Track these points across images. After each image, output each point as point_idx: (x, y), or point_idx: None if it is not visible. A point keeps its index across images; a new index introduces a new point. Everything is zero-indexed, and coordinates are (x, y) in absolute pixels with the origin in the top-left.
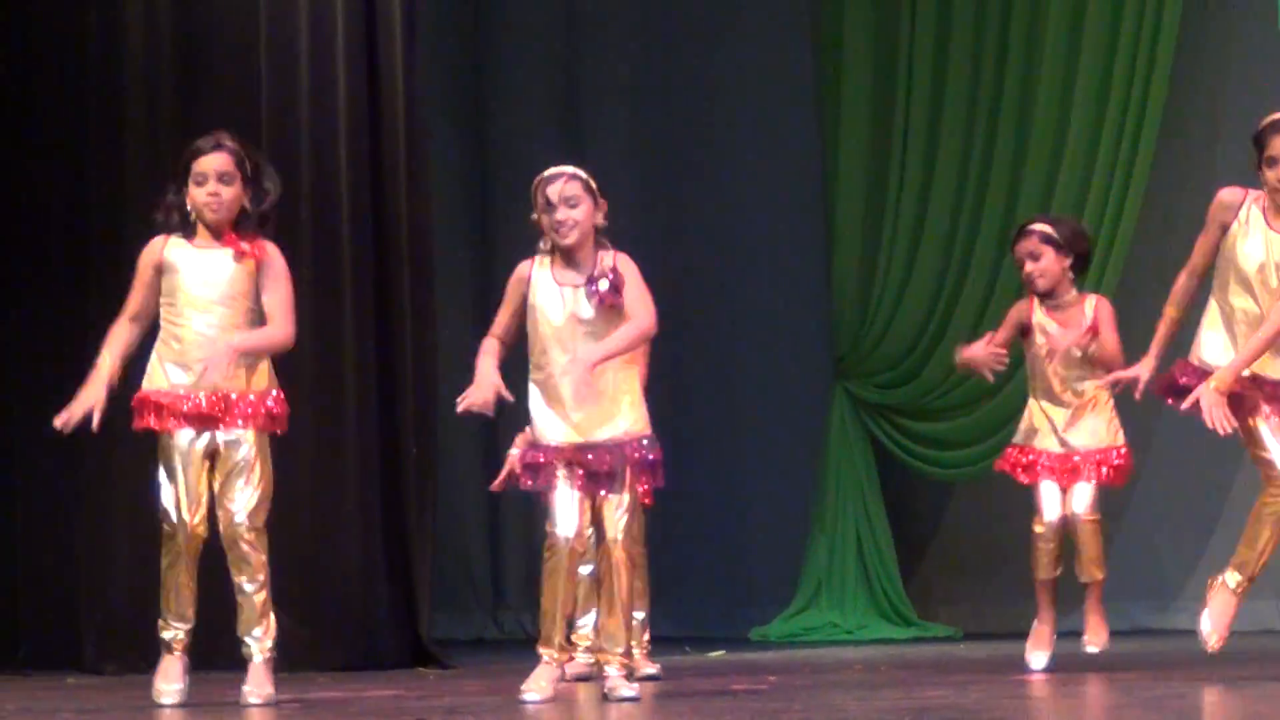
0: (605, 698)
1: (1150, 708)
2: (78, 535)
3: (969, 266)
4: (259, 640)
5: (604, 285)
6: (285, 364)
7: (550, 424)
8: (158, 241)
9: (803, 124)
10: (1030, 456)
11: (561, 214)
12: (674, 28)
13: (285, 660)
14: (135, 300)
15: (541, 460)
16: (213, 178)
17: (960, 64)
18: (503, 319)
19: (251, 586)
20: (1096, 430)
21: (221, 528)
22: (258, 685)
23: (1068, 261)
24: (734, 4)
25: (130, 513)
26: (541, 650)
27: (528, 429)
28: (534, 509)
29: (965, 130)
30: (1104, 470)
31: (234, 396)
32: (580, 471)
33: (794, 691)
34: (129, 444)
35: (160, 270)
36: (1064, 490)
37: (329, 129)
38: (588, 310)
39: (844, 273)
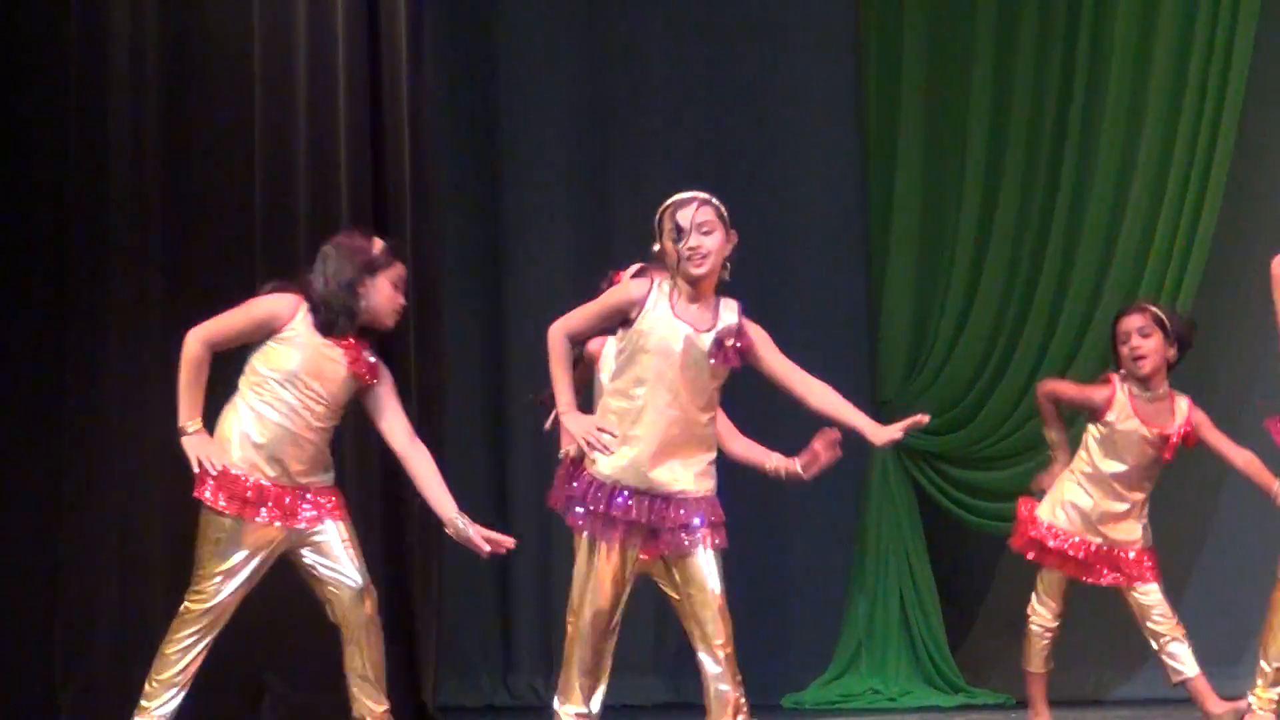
0: None
1: None
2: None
3: (1029, 309)
4: None
5: (731, 343)
6: None
7: (621, 464)
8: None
9: (848, 150)
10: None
11: (695, 240)
12: (711, 50)
13: None
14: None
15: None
16: (402, 288)
17: (1021, 99)
18: (586, 320)
19: None
20: (1133, 530)
21: None
22: None
23: (1172, 351)
24: (776, 27)
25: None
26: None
27: (572, 449)
28: (551, 566)
29: (1025, 174)
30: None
31: None
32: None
33: None
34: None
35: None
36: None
37: (329, 147)
38: (704, 358)
39: (892, 315)
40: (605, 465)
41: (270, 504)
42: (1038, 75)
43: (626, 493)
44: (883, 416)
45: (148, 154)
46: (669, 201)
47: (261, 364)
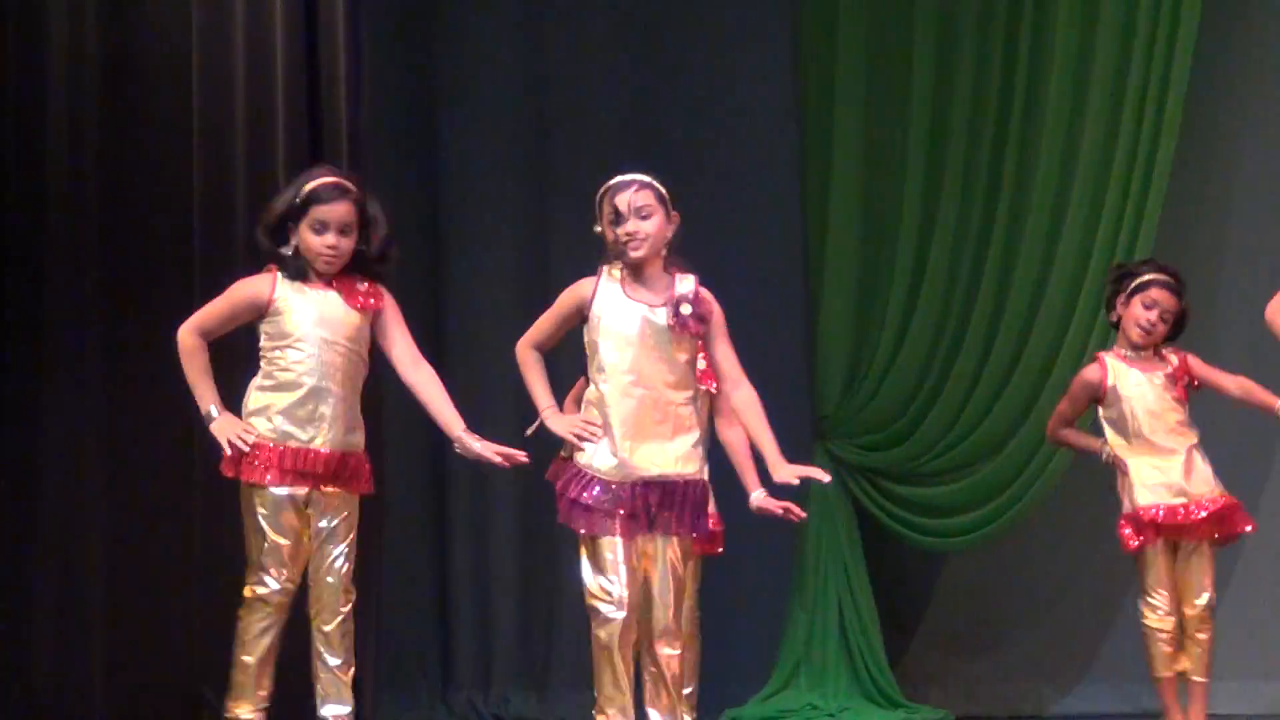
0: None
1: None
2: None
3: (967, 324)
4: None
5: (687, 309)
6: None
7: (602, 453)
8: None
9: (785, 162)
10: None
11: (631, 225)
12: (650, 65)
13: None
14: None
15: (594, 500)
16: (334, 229)
17: (960, 110)
18: (544, 328)
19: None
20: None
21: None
22: None
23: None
24: (713, 40)
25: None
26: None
27: (563, 451)
28: (489, 581)
29: (964, 182)
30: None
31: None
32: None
33: None
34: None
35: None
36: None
37: (267, 159)
38: (663, 333)
39: (830, 329)
40: (584, 457)
41: (306, 469)
42: (976, 85)
43: (610, 483)
44: (823, 430)
45: (85, 153)
46: (608, 184)
47: (268, 339)
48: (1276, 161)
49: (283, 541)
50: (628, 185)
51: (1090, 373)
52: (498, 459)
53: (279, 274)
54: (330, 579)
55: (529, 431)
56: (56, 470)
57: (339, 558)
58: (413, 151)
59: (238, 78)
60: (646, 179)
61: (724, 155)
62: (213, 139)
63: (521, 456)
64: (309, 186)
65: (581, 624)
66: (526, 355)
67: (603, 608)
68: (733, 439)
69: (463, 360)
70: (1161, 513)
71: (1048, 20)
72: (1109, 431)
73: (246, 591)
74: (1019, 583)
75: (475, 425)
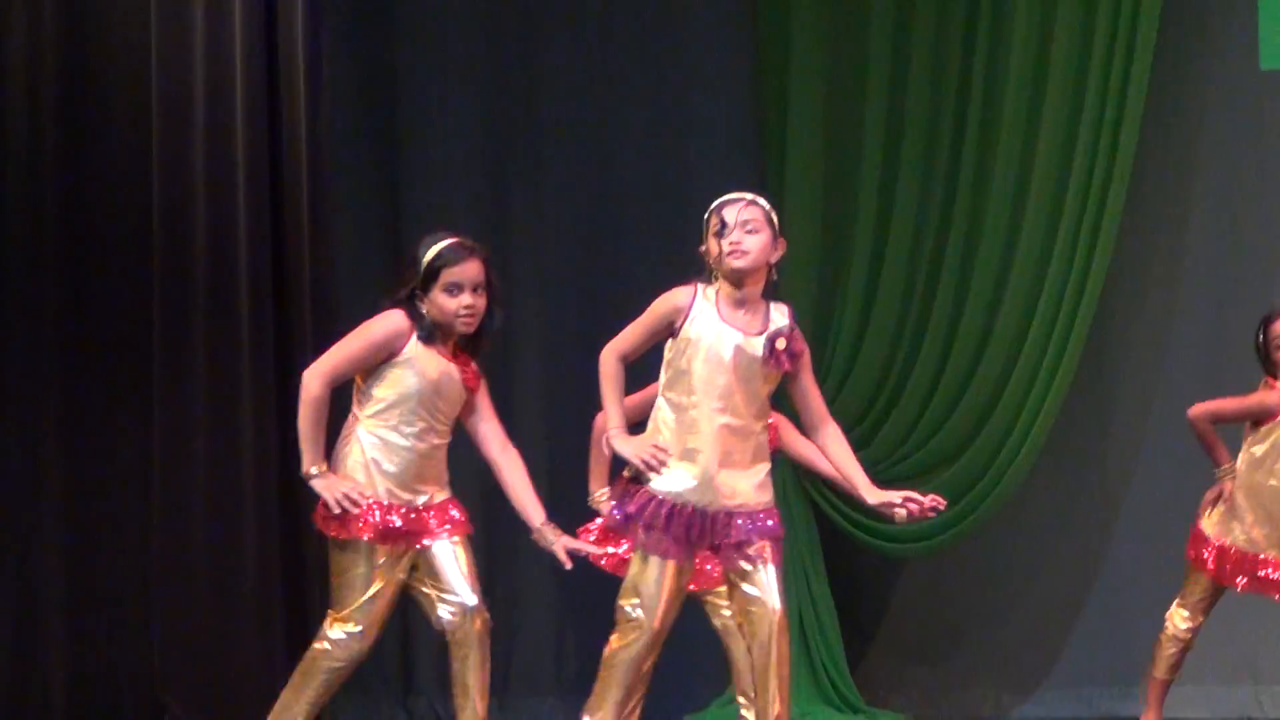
0: None
1: None
2: None
3: (925, 328)
4: None
5: (782, 344)
6: (176, 424)
7: (679, 479)
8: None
9: (746, 168)
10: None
11: (736, 236)
12: (608, 71)
13: None
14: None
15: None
16: (468, 288)
17: (918, 107)
18: (634, 339)
19: None
20: None
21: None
22: None
23: None
24: (672, 35)
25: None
26: None
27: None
28: None
29: (922, 187)
30: None
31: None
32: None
33: None
34: None
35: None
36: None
37: (226, 168)
38: (755, 364)
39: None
40: (663, 482)
41: (404, 528)
42: (934, 87)
43: (688, 509)
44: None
45: (43, 150)
46: (718, 200)
47: (382, 389)
48: (1236, 167)
49: (377, 592)
50: (737, 200)
51: (1272, 398)
52: (569, 562)
53: (415, 327)
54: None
55: (606, 450)
56: (14, 479)
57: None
58: (372, 149)
59: (196, 78)
60: (755, 197)
61: (682, 157)
62: (171, 136)
63: (592, 550)
64: (434, 250)
65: (540, 632)
66: (612, 366)
67: (633, 626)
68: (810, 454)
69: None
70: (1246, 564)
71: (1006, 13)
72: (1244, 463)
73: (328, 630)
74: (978, 588)
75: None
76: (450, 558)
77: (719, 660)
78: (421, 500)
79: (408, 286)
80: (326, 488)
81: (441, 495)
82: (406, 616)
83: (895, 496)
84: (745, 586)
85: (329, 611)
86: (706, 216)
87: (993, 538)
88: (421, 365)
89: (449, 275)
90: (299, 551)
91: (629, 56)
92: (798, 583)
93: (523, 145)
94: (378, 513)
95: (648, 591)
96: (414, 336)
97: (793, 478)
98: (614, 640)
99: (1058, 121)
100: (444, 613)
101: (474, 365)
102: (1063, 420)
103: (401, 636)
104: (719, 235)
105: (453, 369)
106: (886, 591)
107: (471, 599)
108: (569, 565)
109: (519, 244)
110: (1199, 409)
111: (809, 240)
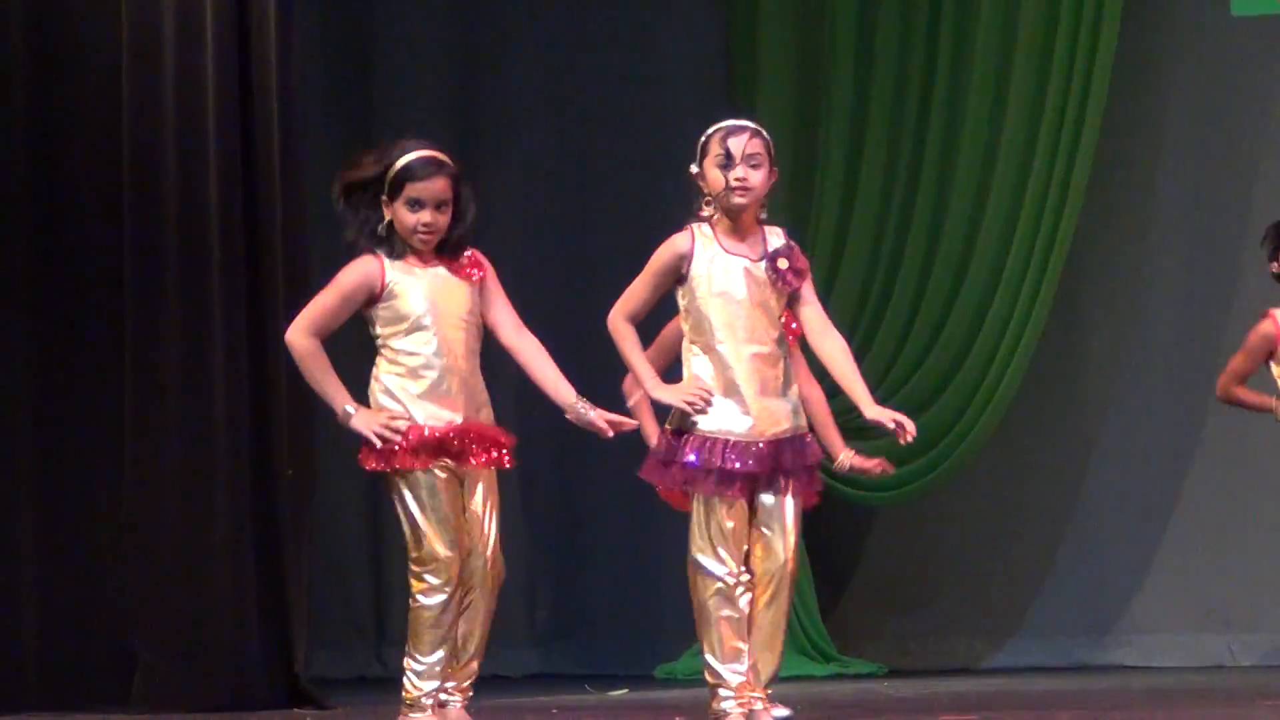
0: None
1: None
2: None
3: (896, 274)
4: None
5: (784, 264)
6: (147, 382)
7: (727, 415)
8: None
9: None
10: None
11: (741, 172)
12: (580, 39)
13: (150, 700)
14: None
15: (724, 464)
16: (430, 205)
17: (887, 60)
18: (641, 295)
19: None
20: None
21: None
22: None
23: None
24: (643, 20)
25: None
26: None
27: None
28: None
29: (890, 139)
30: None
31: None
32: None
33: None
34: None
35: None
36: None
37: (197, 124)
38: (765, 287)
39: None
40: (709, 422)
41: (445, 439)
42: (903, 35)
43: (739, 444)
44: None
45: (13, 114)
46: (719, 126)
47: (385, 325)
48: (1206, 112)
49: (444, 525)
50: (741, 130)
51: (1265, 327)
52: (607, 428)
53: (384, 256)
54: (478, 556)
55: (630, 404)
56: None
57: (489, 535)
58: (344, 110)
59: (166, 38)
60: (758, 127)
61: (650, 120)
62: (141, 96)
63: (630, 424)
64: (402, 161)
65: (512, 582)
66: (622, 328)
67: (715, 576)
68: (813, 397)
69: None
70: None
71: (971, 10)
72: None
73: (416, 585)
74: (951, 538)
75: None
76: (479, 499)
77: (688, 613)
78: (461, 418)
79: (368, 188)
80: (364, 423)
81: (483, 414)
82: (380, 563)
83: (887, 417)
84: (762, 527)
85: (409, 561)
86: (705, 140)
87: (965, 488)
88: (408, 287)
89: (412, 190)
90: (271, 493)
91: (600, 4)
92: None
93: (494, 93)
94: (421, 436)
95: (719, 544)
96: (386, 271)
97: None
98: (702, 594)
99: (1028, 71)
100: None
101: (472, 254)
102: (1034, 371)
103: (374, 587)
104: (723, 167)
105: (441, 270)
106: (859, 541)
107: (486, 548)
108: (611, 433)
109: (490, 189)
110: (1219, 386)
111: (777, 188)
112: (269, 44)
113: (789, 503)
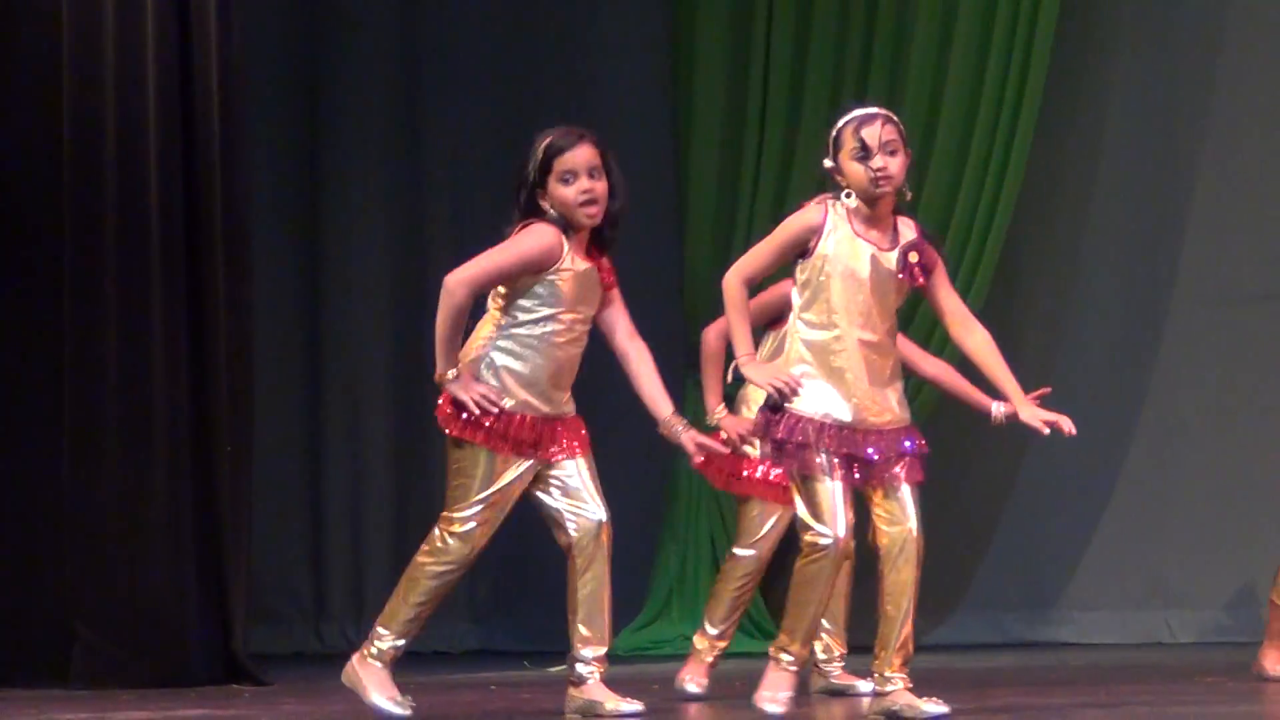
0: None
1: None
2: None
3: None
4: None
5: (914, 258)
6: (87, 362)
7: (828, 399)
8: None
9: (655, 115)
10: None
11: (880, 162)
12: (522, 15)
13: (88, 677)
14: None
15: (812, 441)
16: (583, 173)
17: (823, 46)
18: (763, 261)
19: None
20: None
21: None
22: None
23: None
24: (584, 12)
25: None
26: (785, 655)
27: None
28: (363, 513)
29: (826, 118)
30: None
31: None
32: (849, 460)
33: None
34: None
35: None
36: None
37: (137, 109)
38: (890, 279)
39: (699, 258)
40: (809, 404)
41: (529, 439)
42: (837, 44)
43: (834, 428)
44: (693, 361)
45: None
46: (851, 115)
47: (533, 301)
48: (1140, 120)
49: (490, 509)
50: (874, 118)
51: None
52: (697, 452)
53: (563, 235)
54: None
55: (728, 378)
56: None
57: (597, 501)
58: (286, 95)
59: (107, 28)
60: (890, 113)
61: (595, 103)
62: (80, 82)
63: (720, 449)
64: (544, 142)
65: None
66: (738, 291)
67: (821, 548)
68: (938, 369)
69: (335, 296)
70: None
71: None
72: None
73: (440, 532)
74: None
75: (349, 352)
76: (581, 474)
77: (630, 586)
78: (555, 410)
79: (526, 187)
80: (464, 388)
81: (571, 407)
82: (319, 539)
83: (1040, 420)
84: (884, 506)
85: (441, 514)
86: (836, 134)
87: None
88: (573, 273)
89: (562, 163)
90: (210, 469)
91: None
92: (710, 509)
93: (438, 78)
94: (509, 424)
95: (821, 509)
96: (566, 249)
97: (703, 402)
98: (806, 564)
99: (967, 53)
100: (572, 529)
101: (607, 260)
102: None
103: (313, 562)
104: (861, 159)
105: (593, 270)
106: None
107: (602, 513)
108: (699, 459)
109: (433, 174)
110: None
111: (711, 163)
112: (210, 31)
113: (905, 490)
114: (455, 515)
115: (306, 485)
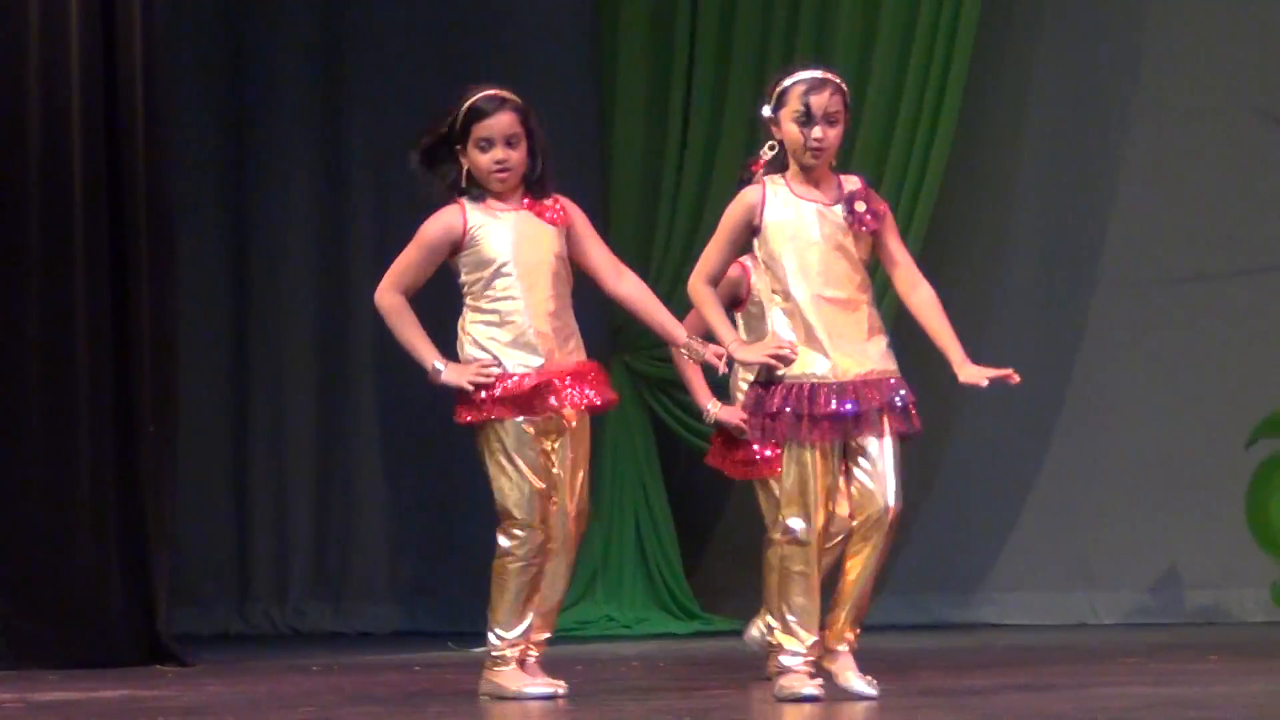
0: None
1: (949, 708)
2: None
3: None
4: None
5: (861, 206)
6: (9, 341)
7: (809, 361)
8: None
9: (579, 90)
10: None
11: (819, 132)
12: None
13: (10, 657)
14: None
15: (812, 408)
16: (500, 142)
17: (749, 22)
18: (717, 256)
19: None
20: None
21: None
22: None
23: None
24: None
25: None
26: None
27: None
28: (287, 493)
29: (751, 99)
30: None
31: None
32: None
33: (566, 691)
34: None
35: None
36: None
37: (60, 80)
38: (842, 230)
39: (622, 239)
40: (795, 369)
41: (542, 393)
42: (763, 24)
43: (822, 385)
44: (618, 343)
45: None
46: (800, 77)
47: (470, 272)
48: (1063, 103)
49: (532, 478)
50: (822, 86)
51: None
52: (720, 363)
53: (465, 202)
54: (561, 512)
55: (721, 369)
56: None
57: (576, 488)
58: (210, 65)
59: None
60: (839, 81)
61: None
62: (4, 54)
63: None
64: (467, 104)
65: (375, 538)
66: (702, 291)
67: (793, 533)
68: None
69: (261, 266)
70: None
71: None
72: None
73: (503, 541)
74: None
75: (274, 334)
76: (562, 453)
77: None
78: (553, 364)
79: (439, 139)
80: (455, 376)
81: (575, 354)
82: (243, 520)
83: (984, 377)
84: (857, 473)
85: (497, 513)
86: (783, 90)
87: None
88: (490, 231)
89: (479, 130)
90: (134, 450)
91: None
92: (635, 491)
93: (361, 40)
94: (505, 386)
95: (806, 483)
96: (467, 217)
97: (629, 383)
98: (778, 549)
99: (890, 48)
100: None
101: (558, 199)
102: (898, 328)
103: (237, 543)
104: (802, 125)
105: (525, 214)
106: (722, 498)
107: (570, 506)
108: (724, 369)
109: (353, 144)
110: None
111: (638, 154)
112: (133, 5)
113: (886, 445)
114: (506, 506)
115: (230, 467)
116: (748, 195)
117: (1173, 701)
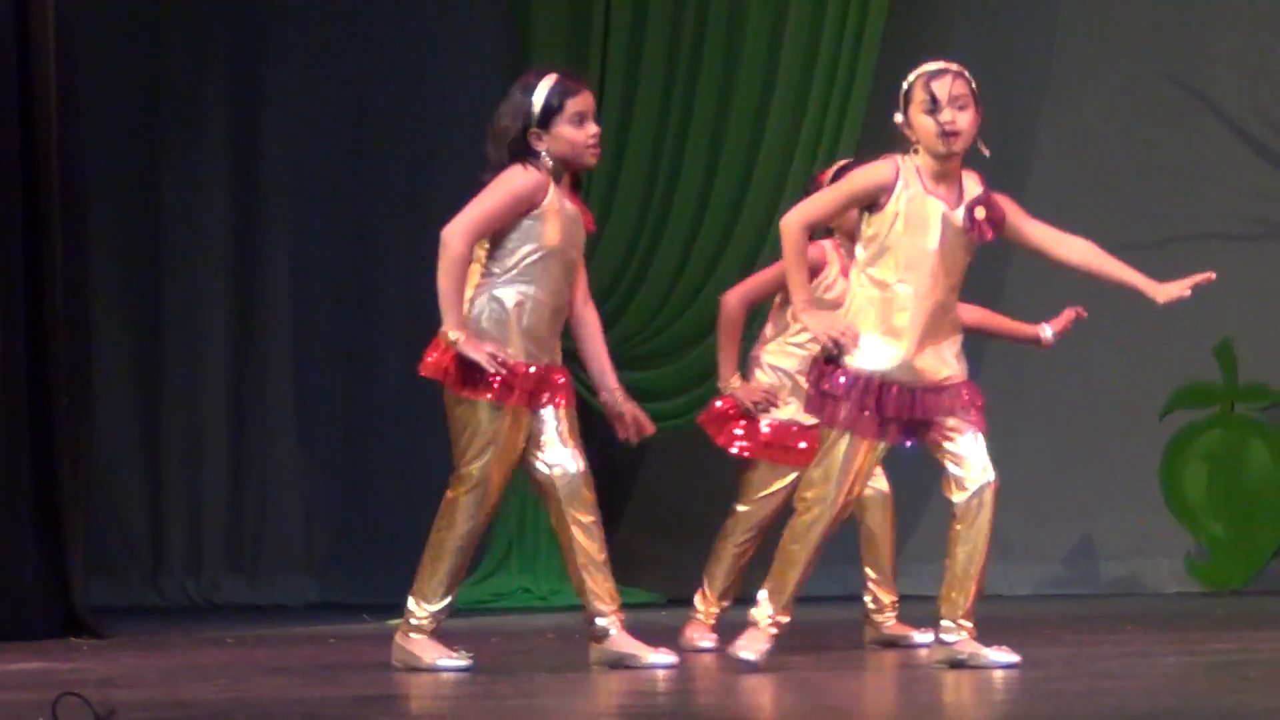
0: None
1: (857, 680)
2: None
3: (670, 209)
4: None
5: (981, 213)
6: None
7: (886, 357)
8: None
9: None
10: None
11: (949, 115)
12: None
13: None
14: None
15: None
16: (590, 117)
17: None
18: (827, 210)
19: None
20: None
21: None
22: None
23: None
24: None
25: None
26: (765, 618)
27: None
28: (200, 466)
29: (664, 78)
30: None
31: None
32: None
33: (481, 663)
34: None
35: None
36: None
37: None
38: (959, 235)
39: None
40: (866, 359)
41: (532, 387)
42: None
43: (893, 387)
44: None
45: None
46: (921, 70)
47: (523, 244)
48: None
49: (509, 457)
50: (944, 73)
51: None
52: (630, 428)
53: (549, 175)
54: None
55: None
56: None
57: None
58: (126, 36)
59: None
60: (961, 68)
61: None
62: None
63: (649, 428)
64: (553, 83)
65: (291, 510)
66: (798, 236)
67: (817, 503)
68: (975, 315)
69: (175, 238)
70: None
71: None
72: None
73: (452, 495)
74: (728, 467)
75: (187, 304)
76: (552, 423)
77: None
78: (551, 358)
79: (514, 136)
80: (473, 349)
81: (558, 356)
82: (157, 492)
83: (1184, 289)
84: (954, 459)
85: (451, 475)
86: (907, 87)
87: None
88: (555, 216)
89: (575, 104)
90: (47, 421)
91: None
92: None
93: (277, 26)
94: (513, 373)
95: (833, 468)
96: (552, 186)
97: None
98: (796, 520)
99: (798, 43)
100: (544, 480)
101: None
102: None
103: (152, 515)
104: (930, 113)
105: (577, 213)
106: (637, 470)
107: (578, 464)
108: (630, 434)
109: (269, 135)
110: None
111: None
112: None
113: (977, 438)
114: (466, 470)
115: (145, 439)
116: (882, 170)
117: (1088, 673)
